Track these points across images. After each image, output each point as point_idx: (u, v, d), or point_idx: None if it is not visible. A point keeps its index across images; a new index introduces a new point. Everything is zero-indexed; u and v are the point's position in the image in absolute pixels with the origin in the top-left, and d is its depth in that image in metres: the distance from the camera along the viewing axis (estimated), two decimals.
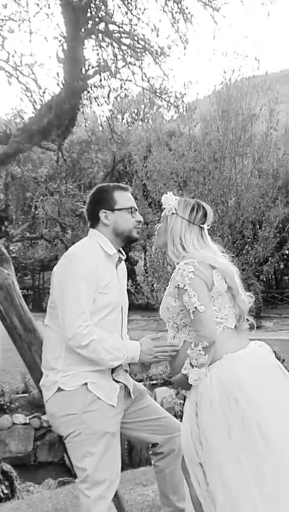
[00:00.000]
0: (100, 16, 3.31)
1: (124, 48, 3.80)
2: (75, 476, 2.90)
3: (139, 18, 3.65)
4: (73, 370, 2.78)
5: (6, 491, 7.57)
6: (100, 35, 3.45)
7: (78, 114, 4.03)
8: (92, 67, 3.90)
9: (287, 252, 23.16)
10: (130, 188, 3.10)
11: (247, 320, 2.72)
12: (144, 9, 3.69)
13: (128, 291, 3.25)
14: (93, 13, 3.29)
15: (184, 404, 2.76)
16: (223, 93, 22.69)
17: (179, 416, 5.09)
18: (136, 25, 3.65)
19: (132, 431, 3.07)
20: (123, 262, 3.09)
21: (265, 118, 22.64)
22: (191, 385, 2.53)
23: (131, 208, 2.96)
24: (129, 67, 3.96)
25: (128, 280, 3.31)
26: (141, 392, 3.10)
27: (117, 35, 3.59)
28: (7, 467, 8.24)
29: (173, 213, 2.73)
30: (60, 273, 2.83)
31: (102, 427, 2.76)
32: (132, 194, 3.09)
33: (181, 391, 2.74)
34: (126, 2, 3.58)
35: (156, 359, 2.78)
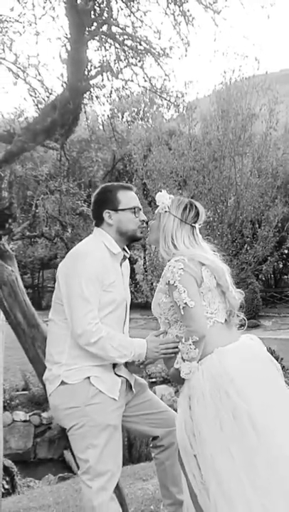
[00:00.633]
0: (103, 18, 3.36)
1: (126, 49, 3.86)
2: (74, 472, 2.95)
3: (142, 21, 3.71)
4: (76, 364, 2.84)
5: (6, 487, 7.62)
6: (103, 36, 3.51)
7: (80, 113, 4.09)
8: (95, 68, 3.95)
9: (286, 251, 23.22)
10: (134, 188, 3.14)
11: (238, 316, 2.78)
12: (147, 11, 3.75)
13: None
14: (97, 15, 3.35)
15: None
16: (223, 93, 22.74)
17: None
18: (140, 27, 3.71)
19: (134, 424, 3.13)
20: (127, 260, 3.13)
21: (264, 118, 22.69)
22: (183, 379, 2.59)
23: (134, 208, 2.99)
24: (131, 68, 4.02)
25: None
26: (142, 387, 3.16)
27: (120, 37, 3.65)
28: (8, 463, 8.30)
29: (166, 211, 2.78)
30: (66, 271, 2.88)
31: (104, 419, 2.82)
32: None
33: (178, 388, 2.80)
34: (129, 4, 3.64)
35: (163, 356, 2.82)
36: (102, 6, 3.36)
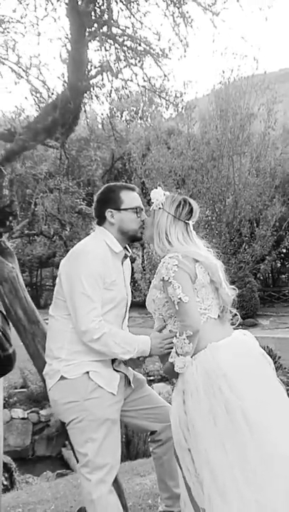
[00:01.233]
0: (103, 19, 3.41)
1: (126, 49, 3.90)
2: (72, 470, 3.00)
3: (142, 23, 3.75)
4: (76, 359, 2.89)
5: (5, 483, 7.67)
6: (103, 37, 3.55)
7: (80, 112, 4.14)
8: (95, 68, 4.00)
9: (284, 250, 23.26)
10: (137, 189, 3.18)
11: (231, 312, 2.82)
12: (146, 12, 3.79)
13: None
14: (97, 16, 3.40)
15: None
16: (222, 92, 22.77)
17: None
18: (140, 29, 3.75)
19: (132, 418, 3.18)
20: (128, 259, 3.18)
21: (263, 117, 22.74)
22: (177, 373, 2.63)
23: (136, 208, 3.04)
24: (131, 68, 4.07)
25: None
26: (140, 382, 3.22)
27: (120, 38, 3.69)
28: (6, 459, 8.33)
29: (160, 208, 2.82)
30: (68, 270, 2.92)
31: (102, 413, 2.87)
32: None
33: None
34: (129, 6, 3.69)
35: (167, 351, 2.83)
36: (102, 7, 3.41)
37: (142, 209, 3.09)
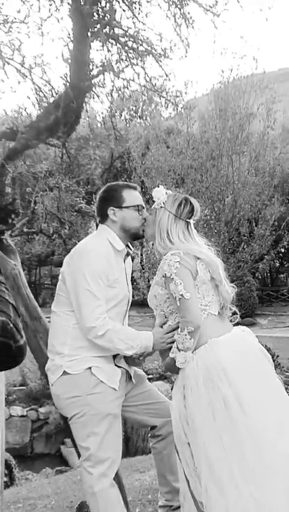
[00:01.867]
0: (106, 20, 3.44)
1: (127, 49, 3.93)
2: (71, 467, 3.04)
3: (144, 24, 3.78)
4: (79, 355, 2.93)
5: (5, 479, 7.69)
6: (105, 37, 3.58)
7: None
8: (97, 67, 4.03)
9: (282, 250, 23.27)
10: (139, 188, 3.23)
11: (230, 309, 2.86)
12: (148, 13, 3.82)
13: None
14: (100, 17, 3.43)
15: None
16: (221, 92, 22.72)
17: None
18: (143, 30, 3.78)
19: (133, 414, 3.22)
20: (130, 257, 3.22)
21: (262, 117, 22.72)
22: (178, 368, 2.67)
23: (138, 206, 3.08)
24: (132, 68, 4.10)
25: None
26: (141, 378, 3.26)
27: (122, 39, 3.72)
28: (6, 456, 8.35)
29: (161, 207, 2.87)
30: (72, 268, 2.96)
31: (104, 408, 2.92)
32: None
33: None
34: (131, 7, 3.72)
35: (170, 345, 2.86)
36: (105, 8, 3.44)
37: (144, 207, 3.13)
